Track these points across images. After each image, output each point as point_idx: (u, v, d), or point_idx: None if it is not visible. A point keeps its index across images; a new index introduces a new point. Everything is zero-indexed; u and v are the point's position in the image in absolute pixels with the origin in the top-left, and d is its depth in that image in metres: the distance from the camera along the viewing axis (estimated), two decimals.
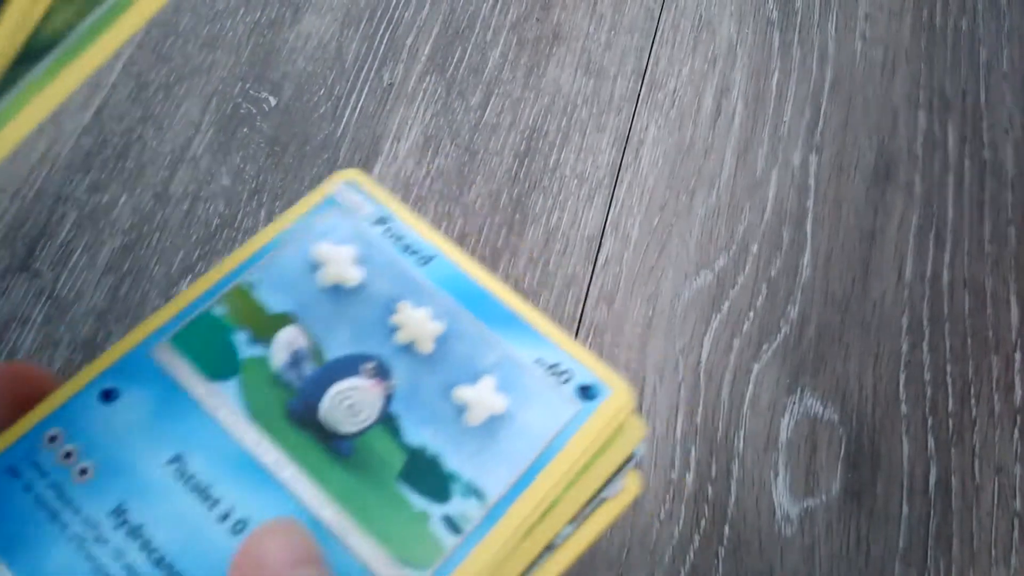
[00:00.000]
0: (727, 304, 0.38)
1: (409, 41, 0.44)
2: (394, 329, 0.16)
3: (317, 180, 0.41)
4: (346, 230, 0.17)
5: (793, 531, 0.33)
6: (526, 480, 0.14)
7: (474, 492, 0.14)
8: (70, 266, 0.38)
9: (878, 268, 0.38)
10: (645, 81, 0.43)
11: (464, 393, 0.15)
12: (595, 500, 0.15)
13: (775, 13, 0.45)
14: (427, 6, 0.45)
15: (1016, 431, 0.35)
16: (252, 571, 0.12)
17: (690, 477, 0.34)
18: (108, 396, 0.15)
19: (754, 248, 0.39)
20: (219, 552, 0.13)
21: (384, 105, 0.42)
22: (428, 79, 0.43)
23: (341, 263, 0.16)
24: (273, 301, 0.16)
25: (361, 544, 0.14)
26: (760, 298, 0.38)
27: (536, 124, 0.42)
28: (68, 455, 0.14)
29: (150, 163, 0.41)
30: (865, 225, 0.40)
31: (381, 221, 0.17)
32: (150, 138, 0.41)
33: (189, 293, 0.16)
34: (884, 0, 0.46)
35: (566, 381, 0.15)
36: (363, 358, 0.15)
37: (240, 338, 0.16)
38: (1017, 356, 0.37)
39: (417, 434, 0.15)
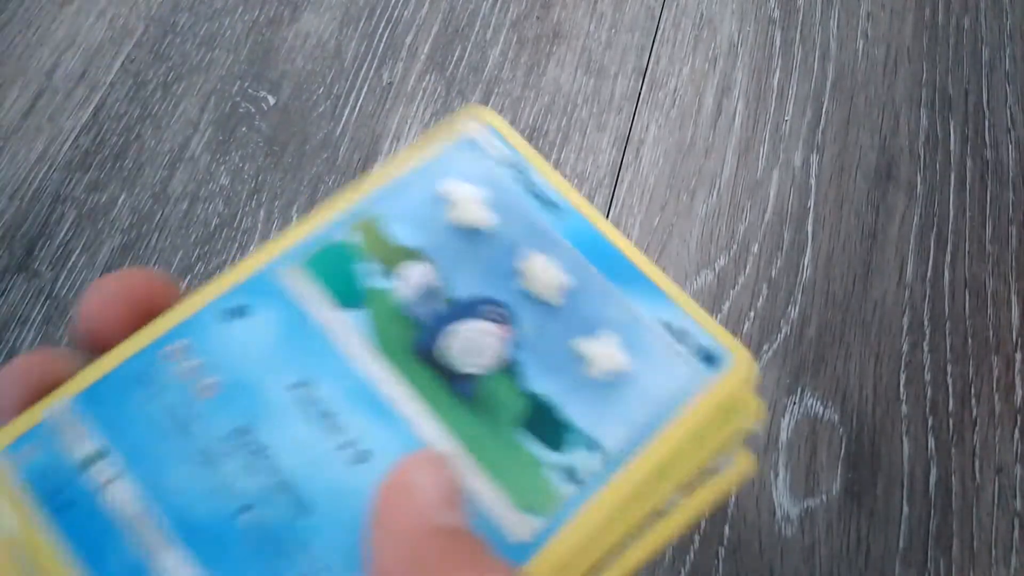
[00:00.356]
0: (728, 304, 0.37)
1: (409, 40, 0.44)
2: (521, 276, 0.16)
3: (316, 179, 0.40)
4: (479, 171, 0.17)
5: (793, 531, 0.33)
6: (645, 438, 0.14)
7: (592, 445, 0.14)
8: (69, 266, 0.38)
9: (879, 268, 0.38)
10: (646, 80, 0.43)
11: (586, 346, 0.15)
12: (707, 471, 0.15)
13: (776, 11, 0.45)
14: (427, 4, 0.45)
15: (1016, 431, 0.35)
16: (399, 500, 0.12)
17: None
18: (236, 313, 0.15)
19: (755, 248, 0.39)
20: (342, 480, 0.13)
21: (383, 104, 0.42)
22: (428, 78, 0.43)
23: (472, 204, 0.16)
24: (402, 235, 0.16)
25: (481, 486, 0.14)
26: (761, 298, 0.37)
27: (536, 123, 0.42)
28: (194, 369, 0.14)
29: (149, 162, 0.41)
30: (866, 225, 0.39)
31: (513, 166, 0.17)
32: (148, 137, 0.41)
33: (316, 218, 0.16)
34: None
35: (690, 345, 0.15)
36: (489, 302, 0.15)
37: (368, 269, 0.15)
38: (1018, 356, 0.37)
39: (538, 382, 0.15)
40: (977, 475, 0.34)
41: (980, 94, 0.43)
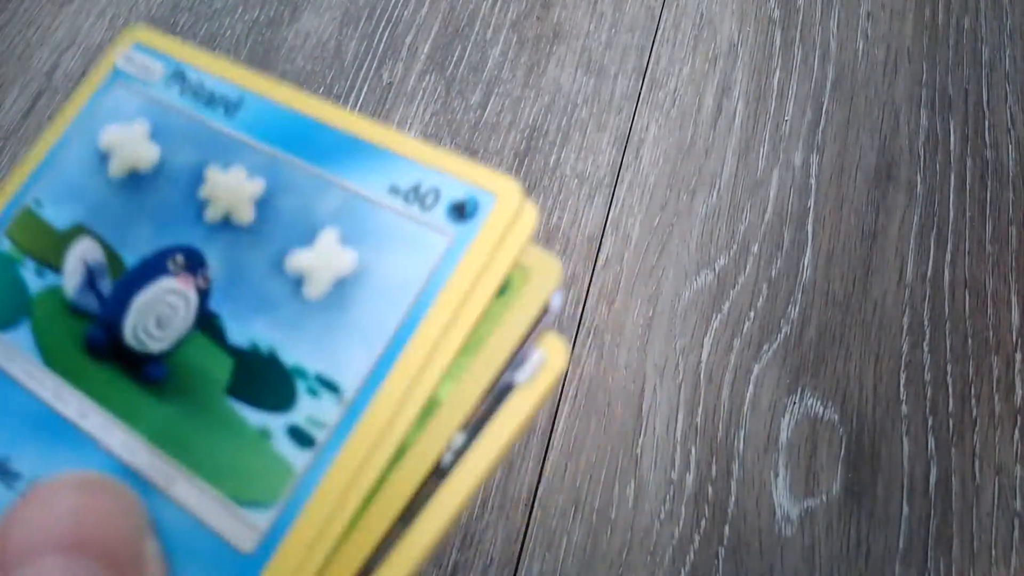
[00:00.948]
0: (727, 304, 0.37)
1: (408, 40, 0.44)
2: (203, 205, 0.12)
3: None
4: (135, 103, 0.13)
5: (793, 531, 0.33)
6: (391, 354, 0.10)
7: (326, 386, 0.10)
8: None
9: (879, 268, 0.38)
10: (646, 80, 0.43)
11: (299, 260, 0.11)
12: (498, 387, 0.11)
13: (776, 11, 0.45)
14: (426, 4, 0.45)
15: (1016, 431, 0.35)
16: (6, 543, 0.08)
17: (690, 477, 0.34)
18: None
19: (755, 248, 0.39)
20: None
21: (383, 104, 0.42)
22: (428, 78, 0.43)
23: (131, 145, 0.13)
24: (60, 215, 0.13)
25: (188, 490, 0.10)
26: (761, 298, 0.37)
27: (536, 123, 0.42)
28: None
29: None
30: (866, 225, 0.39)
31: (176, 78, 0.13)
32: None
33: None
34: None
35: (433, 204, 0.11)
36: (168, 252, 0.12)
37: (29, 271, 0.12)
38: (1018, 356, 0.37)
39: (245, 330, 0.11)
40: (977, 475, 0.34)
41: (980, 94, 0.43)
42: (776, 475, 0.34)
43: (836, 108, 0.42)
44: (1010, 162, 0.41)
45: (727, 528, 0.33)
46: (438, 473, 0.10)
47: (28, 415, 0.11)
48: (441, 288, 0.10)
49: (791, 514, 0.33)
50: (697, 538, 0.32)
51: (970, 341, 0.37)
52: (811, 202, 0.40)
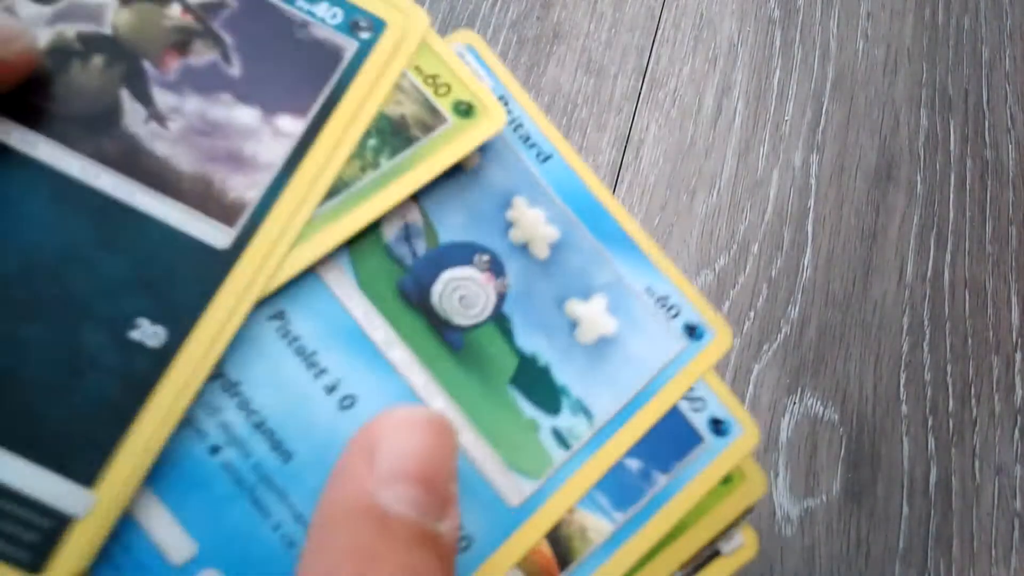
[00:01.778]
0: (727, 304, 0.37)
1: None
2: (509, 225, 0.15)
3: None
4: None
5: (793, 531, 0.33)
6: (631, 409, 0.14)
7: (583, 410, 0.13)
8: None
9: (879, 268, 0.38)
10: (646, 80, 0.43)
11: (577, 309, 0.14)
12: (709, 550, 0.14)
13: (776, 11, 0.45)
14: (426, 4, 0.45)
15: (1016, 431, 0.35)
16: (353, 465, 0.10)
17: None
18: None
19: (755, 248, 0.39)
20: (325, 426, 0.12)
21: None
22: None
23: None
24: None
25: (473, 443, 0.13)
26: (760, 298, 0.37)
27: None
28: None
29: None
30: (866, 225, 0.39)
31: (500, 101, 0.15)
32: None
33: None
34: None
35: (674, 316, 0.14)
36: (478, 248, 0.14)
37: None
38: (1018, 356, 0.37)
39: (529, 340, 0.14)
40: (977, 475, 0.34)
41: (980, 94, 0.43)
42: (776, 475, 0.34)
43: (836, 108, 0.42)
44: (1010, 162, 0.41)
45: None
46: None
47: (338, 325, 0.13)
48: (670, 380, 0.14)
49: (791, 514, 0.33)
50: None
51: (970, 341, 0.37)
52: (811, 202, 0.40)
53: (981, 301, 0.38)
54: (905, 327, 0.37)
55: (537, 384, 0.14)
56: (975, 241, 0.39)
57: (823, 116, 0.42)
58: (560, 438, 0.13)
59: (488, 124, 0.14)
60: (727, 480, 0.14)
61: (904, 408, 0.35)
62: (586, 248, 0.15)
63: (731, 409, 0.15)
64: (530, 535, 0.13)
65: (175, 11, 0.14)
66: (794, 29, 0.45)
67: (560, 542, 0.13)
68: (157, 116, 0.13)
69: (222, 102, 0.13)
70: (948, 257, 0.39)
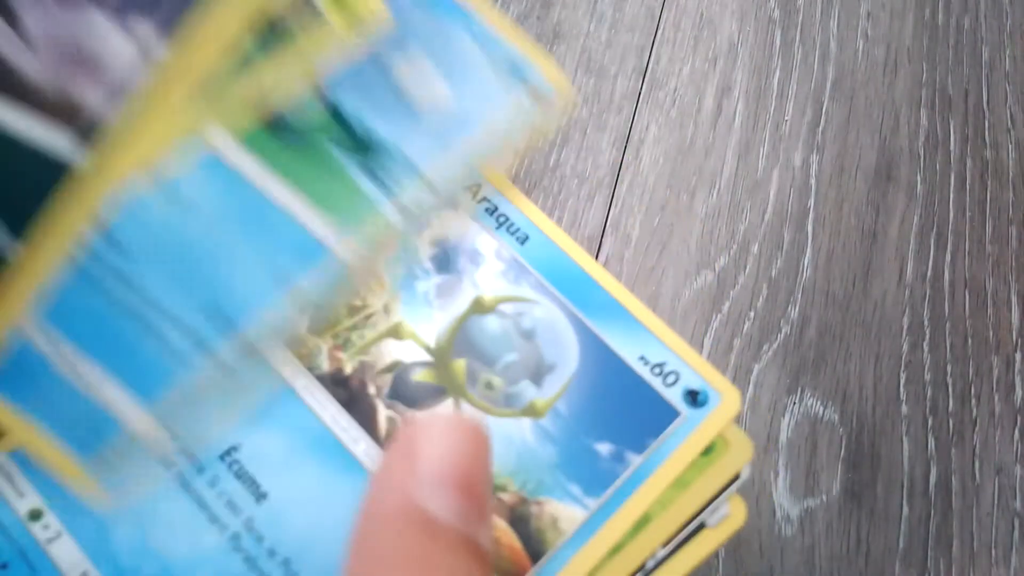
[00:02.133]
0: (727, 304, 0.37)
1: None
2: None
3: None
4: None
5: (793, 531, 0.33)
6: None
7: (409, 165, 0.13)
8: None
9: (879, 268, 0.38)
10: (646, 80, 0.43)
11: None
12: (694, 523, 0.14)
13: (776, 12, 0.45)
14: None
15: (1016, 431, 0.35)
16: (395, 466, 0.10)
17: None
18: None
19: (755, 248, 0.39)
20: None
21: None
22: None
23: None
24: None
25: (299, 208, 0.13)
26: (760, 298, 0.37)
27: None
28: None
29: None
30: (866, 225, 0.39)
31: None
32: None
33: None
34: None
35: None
36: None
37: None
38: (1018, 356, 0.37)
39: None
40: (977, 475, 0.34)
41: (980, 94, 0.43)
42: (776, 475, 0.34)
43: (836, 108, 0.42)
44: (1010, 162, 0.41)
45: None
46: (641, 570, 0.14)
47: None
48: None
49: (791, 514, 0.33)
50: None
51: (970, 341, 0.37)
52: (811, 202, 0.40)
53: (981, 301, 0.38)
54: (905, 327, 0.37)
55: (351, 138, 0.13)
56: (975, 241, 0.39)
57: (823, 116, 0.42)
58: (376, 178, 0.13)
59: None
60: (708, 450, 0.14)
61: (904, 408, 0.35)
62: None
63: (707, 378, 0.14)
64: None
65: None
66: (794, 29, 0.45)
67: (531, 535, 0.13)
68: (11, 22, 0.12)
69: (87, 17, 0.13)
70: (948, 257, 0.39)
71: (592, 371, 0.14)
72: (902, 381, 0.36)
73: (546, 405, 0.14)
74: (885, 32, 0.45)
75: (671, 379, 0.14)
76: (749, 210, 0.40)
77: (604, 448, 0.14)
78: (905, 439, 0.35)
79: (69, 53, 0.12)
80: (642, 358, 0.14)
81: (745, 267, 0.38)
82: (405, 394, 0.14)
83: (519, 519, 0.13)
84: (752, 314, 0.37)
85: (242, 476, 0.13)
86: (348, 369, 0.14)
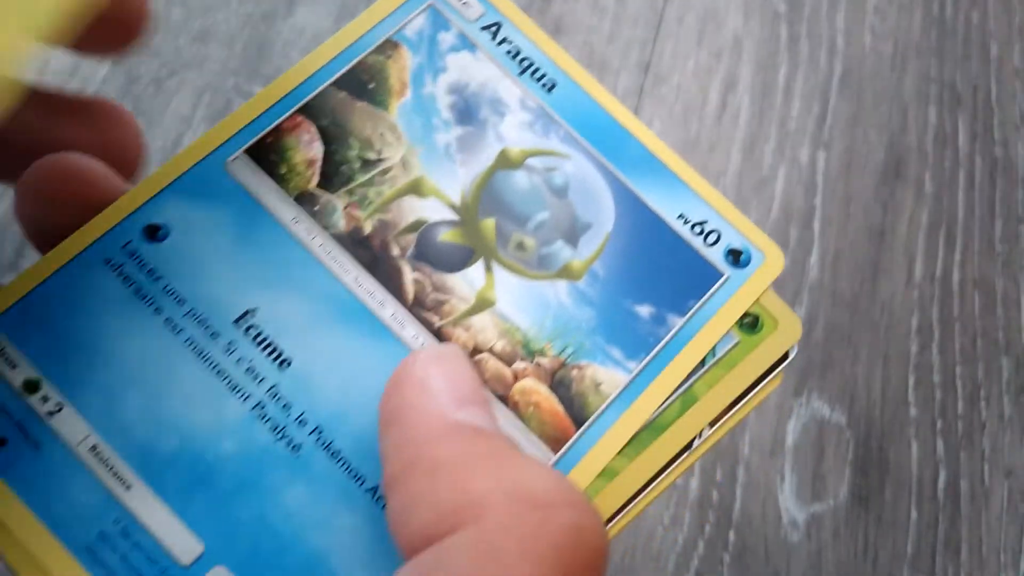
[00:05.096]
0: None
1: None
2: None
3: None
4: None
5: (800, 537, 0.32)
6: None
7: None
8: None
9: (887, 268, 0.38)
10: (649, 75, 0.42)
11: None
12: (742, 400, 0.14)
13: (782, 5, 0.44)
14: None
15: None
16: (412, 397, 0.11)
17: (695, 482, 0.33)
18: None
19: None
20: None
21: None
22: None
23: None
24: None
25: None
26: None
27: None
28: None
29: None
30: (874, 223, 0.39)
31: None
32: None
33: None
34: None
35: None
36: None
37: None
38: None
39: None
40: (986, 479, 0.34)
41: (989, 90, 0.42)
42: (782, 479, 0.33)
43: (843, 104, 0.42)
44: (1019, 159, 0.41)
45: (732, 533, 0.32)
46: (688, 448, 0.13)
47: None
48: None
49: (798, 519, 0.32)
50: (702, 543, 0.32)
51: (979, 342, 0.36)
52: (818, 200, 0.39)
53: (991, 301, 0.37)
54: (914, 328, 0.36)
55: None
56: (984, 240, 0.38)
57: (830, 112, 0.41)
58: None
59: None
60: (756, 328, 0.13)
61: (913, 411, 0.35)
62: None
63: (750, 237, 0.14)
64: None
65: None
66: (800, 23, 0.44)
67: (573, 400, 0.13)
68: None
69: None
70: (957, 256, 0.38)
71: (629, 230, 0.14)
72: (911, 383, 0.35)
73: (583, 266, 0.13)
74: (893, 27, 0.44)
75: (712, 238, 0.14)
76: (754, 208, 0.39)
77: (644, 310, 0.13)
78: (914, 442, 0.34)
79: None
80: (681, 216, 0.14)
81: None
82: (431, 255, 0.13)
83: (559, 384, 0.13)
84: None
85: (262, 342, 0.12)
86: (367, 228, 0.13)
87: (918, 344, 0.36)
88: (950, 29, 0.44)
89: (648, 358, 0.13)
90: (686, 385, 0.13)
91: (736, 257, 0.14)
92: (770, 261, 0.14)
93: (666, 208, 0.14)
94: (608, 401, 0.13)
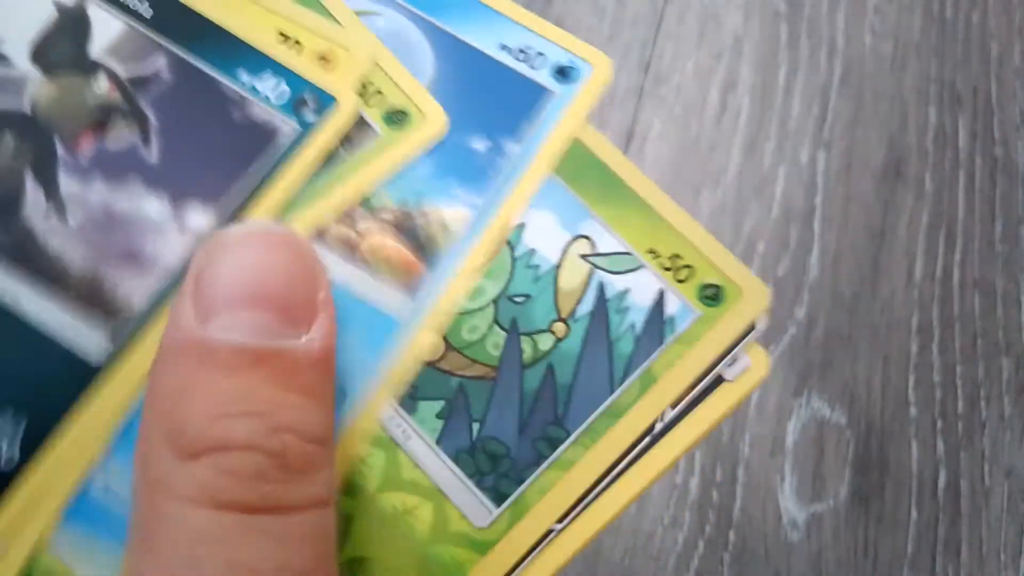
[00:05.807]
0: None
1: None
2: None
3: None
4: None
5: (800, 537, 0.32)
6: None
7: None
8: None
9: (887, 268, 0.38)
10: (649, 75, 0.42)
11: None
12: (709, 379, 0.13)
13: (783, 5, 0.44)
14: None
15: None
16: (184, 297, 0.09)
17: (694, 482, 0.33)
18: None
19: (760, 247, 0.38)
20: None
21: None
22: None
23: None
24: None
25: None
26: None
27: None
28: None
29: None
30: (874, 223, 0.39)
31: None
32: None
33: None
34: None
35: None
36: None
37: None
38: None
39: None
40: (986, 479, 0.34)
41: (989, 90, 0.42)
42: (782, 479, 0.33)
43: (843, 104, 0.42)
44: (1020, 159, 0.41)
45: (732, 533, 0.32)
46: (649, 433, 0.12)
47: None
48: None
49: (798, 519, 0.32)
50: (702, 543, 0.32)
51: (980, 342, 0.36)
52: (818, 200, 0.39)
53: (991, 301, 0.37)
54: (914, 328, 0.36)
55: None
56: (985, 240, 0.38)
57: (830, 112, 0.41)
58: None
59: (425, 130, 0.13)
60: (716, 300, 0.13)
61: (913, 410, 0.35)
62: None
63: (575, 51, 0.14)
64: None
65: (102, 86, 0.13)
66: (800, 23, 0.44)
67: (424, 245, 0.13)
68: (58, 208, 0.12)
69: (130, 192, 0.12)
70: (958, 256, 0.38)
71: (452, 72, 0.14)
72: (911, 383, 0.35)
73: None
74: (893, 27, 0.44)
75: (538, 61, 0.14)
76: (755, 208, 0.39)
77: (480, 144, 0.13)
78: (914, 442, 0.34)
79: (116, 244, 0.12)
80: (503, 46, 0.14)
81: (751, 266, 0.37)
82: None
83: (408, 234, 0.13)
84: None
85: None
86: None
87: (918, 344, 0.36)
88: (950, 29, 0.44)
89: (491, 188, 0.13)
90: (645, 365, 0.13)
91: (564, 73, 0.13)
92: (599, 70, 0.13)
93: (487, 41, 0.14)
94: (457, 237, 0.13)
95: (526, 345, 0.13)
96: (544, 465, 0.12)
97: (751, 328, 0.13)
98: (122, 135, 0.13)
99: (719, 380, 0.13)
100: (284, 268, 0.10)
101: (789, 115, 0.41)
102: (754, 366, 0.13)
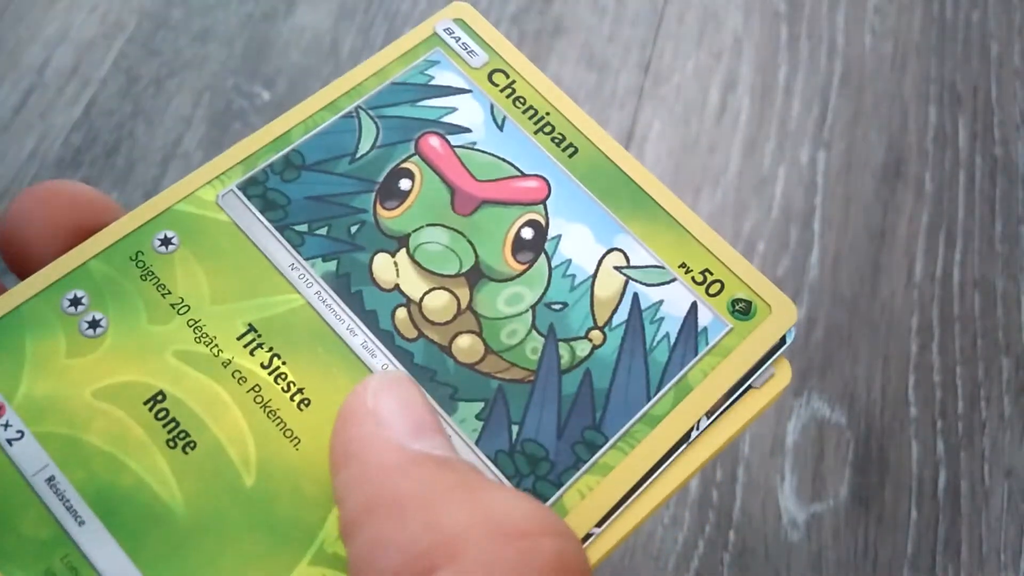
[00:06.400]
0: None
1: (406, 33, 0.43)
2: None
3: None
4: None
5: (800, 537, 0.32)
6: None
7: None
8: None
9: (887, 267, 0.38)
10: (649, 75, 0.42)
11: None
12: (739, 389, 0.13)
13: (783, 5, 0.44)
14: None
15: None
16: (365, 429, 0.10)
17: (695, 482, 0.33)
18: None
19: (760, 247, 0.38)
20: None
21: None
22: None
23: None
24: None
25: None
26: None
27: None
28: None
29: (141, 160, 0.40)
30: (874, 223, 0.39)
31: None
32: (141, 134, 0.40)
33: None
34: None
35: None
36: None
37: None
38: None
39: None
40: (986, 479, 0.34)
41: (989, 90, 0.42)
42: (782, 479, 0.33)
43: (843, 104, 0.42)
44: (1019, 159, 0.41)
45: (732, 533, 0.32)
46: (685, 440, 0.13)
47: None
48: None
49: (798, 519, 0.32)
50: (702, 543, 0.32)
51: (980, 342, 0.36)
52: (818, 200, 0.39)
53: (991, 301, 0.37)
54: (914, 328, 0.36)
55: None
56: (984, 240, 0.38)
57: (830, 112, 0.41)
58: None
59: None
60: (750, 313, 0.13)
61: (913, 410, 0.35)
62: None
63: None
64: None
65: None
66: (800, 23, 0.44)
67: None
68: None
69: None
70: (958, 256, 0.38)
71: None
72: (911, 383, 0.35)
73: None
74: (893, 27, 0.44)
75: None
76: (754, 208, 0.39)
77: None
78: (914, 442, 0.34)
79: None
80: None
81: None
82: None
83: None
84: None
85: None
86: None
87: (918, 344, 0.36)
88: (950, 29, 0.44)
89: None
90: (680, 374, 0.13)
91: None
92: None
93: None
94: None
95: (563, 351, 0.13)
96: (583, 469, 0.12)
97: (783, 342, 0.14)
98: None
99: (747, 387, 0.13)
100: (427, 402, 0.11)
101: (789, 115, 0.41)
102: (778, 374, 0.14)
